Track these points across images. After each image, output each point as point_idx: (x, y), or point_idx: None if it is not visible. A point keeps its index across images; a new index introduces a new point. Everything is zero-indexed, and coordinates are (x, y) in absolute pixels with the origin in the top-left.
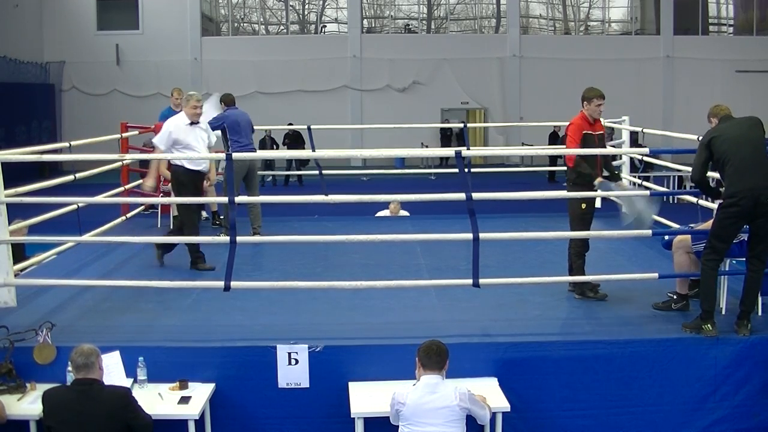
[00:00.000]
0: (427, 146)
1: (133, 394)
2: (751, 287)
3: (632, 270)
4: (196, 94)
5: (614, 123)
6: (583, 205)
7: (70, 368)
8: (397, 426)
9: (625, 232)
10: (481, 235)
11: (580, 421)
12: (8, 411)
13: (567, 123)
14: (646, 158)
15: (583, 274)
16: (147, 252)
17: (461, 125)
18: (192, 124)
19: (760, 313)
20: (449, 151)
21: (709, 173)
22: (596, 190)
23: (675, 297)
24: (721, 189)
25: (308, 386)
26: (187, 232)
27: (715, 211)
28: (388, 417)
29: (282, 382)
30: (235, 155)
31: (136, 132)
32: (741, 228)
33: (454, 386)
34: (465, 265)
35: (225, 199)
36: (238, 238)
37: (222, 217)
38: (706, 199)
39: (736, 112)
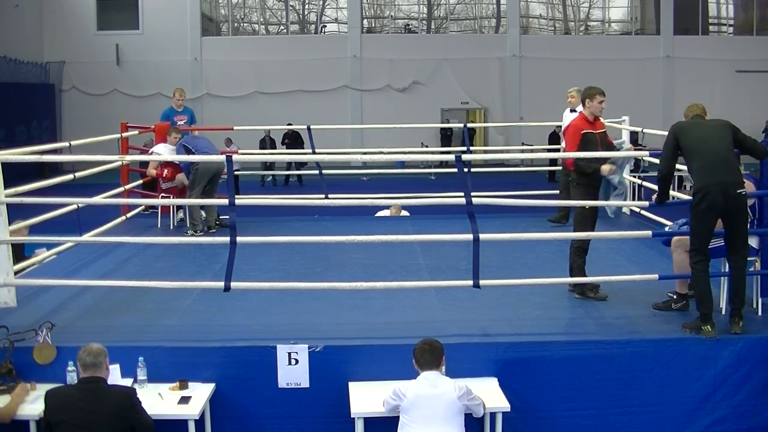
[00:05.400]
0: (427, 146)
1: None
2: (737, 283)
3: (632, 270)
4: None
5: (614, 123)
6: (587, 206)
7: (70, 368)
8: (392, 420)
9: (626, 233)
10: (481, 236)
11: (580, 421)
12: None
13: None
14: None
15: (584, 273)
16: (147, 252)
17: (461, 125)
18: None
19: (760, 313)
20: (449, 156)
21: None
22: (608, 177)
23: (675, 297)
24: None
25: (308, 386)
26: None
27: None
28: (388, 417)
29: (282, 382)
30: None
31: (136, 132)
32: (715, 223)
33: (453, 381)
34: (465, 265)
35: (225, 201)
36: (238, 238)
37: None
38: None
39: (736, 112)
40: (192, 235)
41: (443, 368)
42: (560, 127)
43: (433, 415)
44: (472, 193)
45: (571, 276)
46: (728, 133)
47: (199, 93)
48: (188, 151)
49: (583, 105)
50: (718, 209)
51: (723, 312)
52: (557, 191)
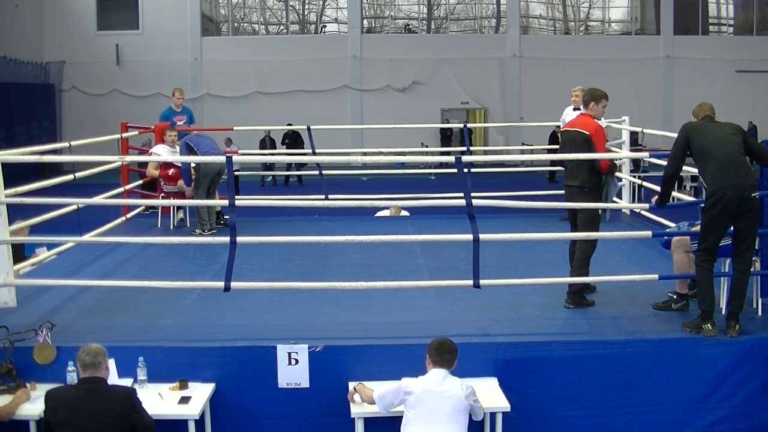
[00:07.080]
0: (427, 146)
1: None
2: (738, 287)
3: (632, 270)
4: None
5: (614, 123)
6: (600, 211)
7: (70, 368)
8: (393, 421)
9: (626, 233)
10: (481, 236)
11: (580, 421)
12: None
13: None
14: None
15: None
16: (147, 252)
17: (461, 125)
18: None
19: (760, 313)
20: (449, 157)
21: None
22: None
23: (675, 297)
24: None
25: (308, 386)
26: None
27: (700, 212)
28: (389, 417)
29: (282, 382)
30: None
31: (136, 132)
32: (728, 226)
33: (460, 381)
34: (465, 265)
35: (225, 201)
36: (238, 238)
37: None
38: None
39: (736, 112)
40: (200, 234)
41: (452, 371)
42: (560, 126)
43: (439, 412)
44: (472, 194)
45: (575, 272)
46: (739, 137)
47: (199, 93)
48: (191, 150)
49: (586, 106)
50: (731, 213)
51: (723, 312)
52: (560, 191)
